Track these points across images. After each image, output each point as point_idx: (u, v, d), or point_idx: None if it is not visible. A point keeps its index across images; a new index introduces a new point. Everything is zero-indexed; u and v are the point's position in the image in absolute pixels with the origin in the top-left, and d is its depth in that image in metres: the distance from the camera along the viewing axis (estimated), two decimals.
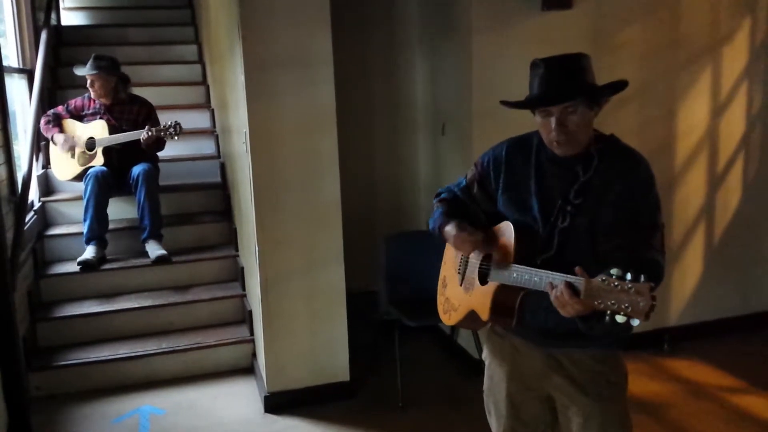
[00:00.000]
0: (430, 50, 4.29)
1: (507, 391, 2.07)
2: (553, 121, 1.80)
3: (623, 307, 1.49)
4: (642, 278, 1.48)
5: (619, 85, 1.85)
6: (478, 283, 2.01)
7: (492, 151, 2.05)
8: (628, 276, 1.50)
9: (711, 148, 4.15)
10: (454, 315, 2.15)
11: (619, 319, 1.50)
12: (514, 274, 1.83)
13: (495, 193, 2.02)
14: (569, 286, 1.64)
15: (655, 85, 3.95)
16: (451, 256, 2.21)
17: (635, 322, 1.49)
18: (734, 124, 4.17)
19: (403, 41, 4.51)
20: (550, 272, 1.72)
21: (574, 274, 1.64)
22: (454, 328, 4.16)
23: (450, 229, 2.01)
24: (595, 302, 1.55)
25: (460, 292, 2.11)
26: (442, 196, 2.19)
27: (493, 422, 2.16)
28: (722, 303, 4.32)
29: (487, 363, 2.16)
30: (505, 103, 1.91)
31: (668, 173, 4.05)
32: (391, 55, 4.55)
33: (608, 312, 1.52)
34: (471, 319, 2.05)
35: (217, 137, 5.35)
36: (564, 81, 1.80)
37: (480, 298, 1.99)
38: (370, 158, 4.61)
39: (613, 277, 1.52)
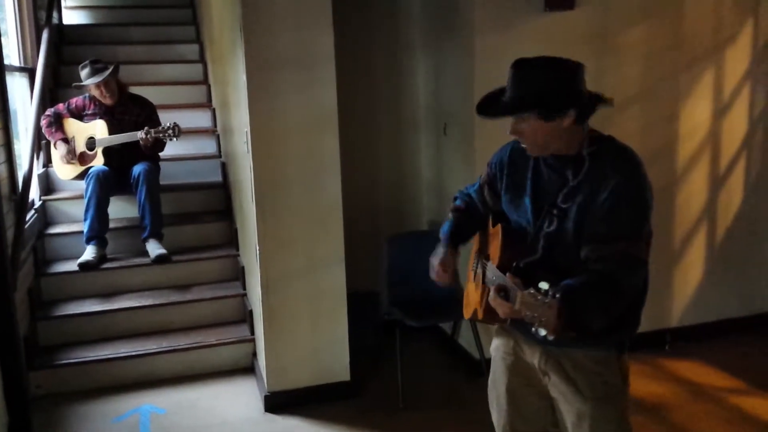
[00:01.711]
0: (432, 50, 4.28)
1: (508, 385, 2.09)
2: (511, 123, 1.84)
3: (542, 321, 1.56)
4: (557, 294, 1.55)
5: (587, 102, 1.79)
6: (481, 281, 2.04)
7: (500, 152, 2.08)
8: (550, 291, 1.56)
9: (713, 149, 4.14)
10: (467, 310, 2.20)
11: (541, 331, 1.58)
12: (493, 278, 1.89)
13: (501, 194, 2.05)
14: (498, 289, 1.74)
15: (658, 86, 3.94)
16: (473, 253, 2.25)
17: (550, 337, 1.57)
18: (736, 125, 4.17)
19: (406, 41, 4.51)
20: (502, 276, 1.78)
21: (560, 278, 1.65)
22: (455, 329, 4.16)
23: (439, 252, 2.14)
24: (525, 314, 1.61)
25: (473, 288, 2.16)
26: (456, 203, 2.24)
27: (494, 415, 2.17)
28: (724, 304, 4.31)
29: (492, 356, 2.18)
30: (478, 110, 1.91)
31: (670, 174, 4.05)
32: (394, 55, 4.55)
33: (535, 324, 1.59)
34: (476, 315, 2.08)
35: (218, 137, 5.35)
36: (511, 97, 1.80)
37: (480, 297, 2.03)
38: (371, 158, 4.60)
39: (540, 291, 1.58)
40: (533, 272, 1.75)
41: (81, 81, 4.49)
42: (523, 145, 1.87)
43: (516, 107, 1.80)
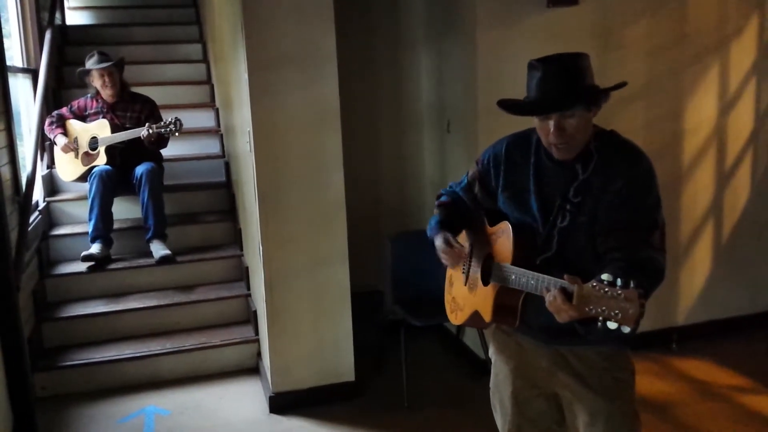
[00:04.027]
0: (435, 47, 4.26)
1: (512, 388, 2.06)
2: (551, 124, 1.77)
3: (613, 314, 1.49)
4: (632, 284, 1.47)
5: (618, 86, 1.82)
6: (480, 283, 2.00)
7: (492, 148, 2.03)
8: (619, 282, 1.49)
9: (719, 145, 4.11)
10: (460, 315, 2.14)
11: (611, 325, 1.50)
12: (513, 276, 1.83)
13: (496, 191, 2.01)
14: (563, 291, 1.62)
15: (662, 82, 3.92)
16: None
17: (625, 329, 1.48)
18: (742, 121, 4.14)
19: (408, 38, 4.49)
20: (546, 276, 1.71)
21: (574, 274, 1.62)
22: (460, 328, 4.14)
23: (437, 243, 2.05)
24: (587, 308, 1.54)
25: (465, 292, 2.10)
26: (442, 199, 2.18)
27: (498, 420, 2.15)
28: (730, 302, 4.28)
29: (493, 360, 2.16)
30: (502, 107, 1.87)
31: (675, 171, 4.02)
32: (396, 53, 4.53)
33: (600, 318, 1.51)
34: (476, 319, 2.04)
35: (221, 136, 5.35)
36: (562, 86, 1.76)
37: (483, 299, 1.98)
38: (375, 156, 4.59)
39: (604, 282, 1.51)
40: (549, 268, 1.73)
41: (91, 63, 4.50)
42: (558, 145, 1.79)
43: (574, 100, 1.75)
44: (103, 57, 4.51)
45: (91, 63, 4.50)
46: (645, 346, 3.93)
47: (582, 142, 1.81)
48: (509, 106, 1.86)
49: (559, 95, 1.76)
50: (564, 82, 1.76)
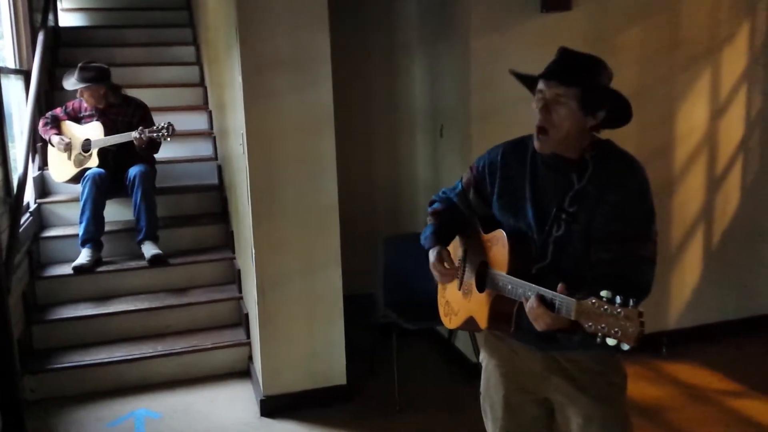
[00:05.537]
0: (429, 52, 4.27)
1: (504, 392, 2.05)
2: (540, 103, 1.79)
3: (613, 331, 1.50)
4: (631, 303, 1.48)
5: (620, 107, 1.86)
6: (475, 289, 2.00)
7: (488, 154, 2.03)
8: (618, 299, 1.50)
9: (710, 150, 4.14)
10: (454, 319, 2.14)
11: (610, 342, 1.51)
12: (509, 286, 1.83)
13: (491, 198, 2.00)
14: (540, 299, 1.66)
15: (654, 87, 3.94)
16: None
17: (625, 347, 1.50)
18: (733, 126, 4.16)
19: (402, 43, 4.50)
20: (539, 287, 1.71)
21: (569, 283, 1.63)
22: (451, 331, 4.14)
23: (431, 257, 2.07)
24: (586, 325, 1.55)
25: (459, 297, 2.10)
26: (435, 206, 2.17)
27: (489, 425, 2.14)
28: (721, 306, 4.30)
29: (484, 365, 2.15)
30: (513, 72, 1.90)
31: (667, 176, 4.04)
32: (390, 57, 4.54)
33: (599, 334, 1.52)
34: (471, 324, 2.04)
35: (214, 139, 5.34)
36: (564, 66, 1.79)
37: (478, 306, 1.98)
38: (368, 160, 4.60)
39: (603, 300, 1.52)
40: (545, 278, 1.74)
41: (70, 82, 4.48)
42: (538, 136, 1.80)
43: (569, 76, 1.76)
44: (85, 76, 4.41)
45: (74, 78, 4.44)
46: (635, 350, 3.93)
47: (564, 140, 1.80)
48: (519, 75, 1.89)
49: (562, 67, 1.78)
50: (570, 65, 1.79)
